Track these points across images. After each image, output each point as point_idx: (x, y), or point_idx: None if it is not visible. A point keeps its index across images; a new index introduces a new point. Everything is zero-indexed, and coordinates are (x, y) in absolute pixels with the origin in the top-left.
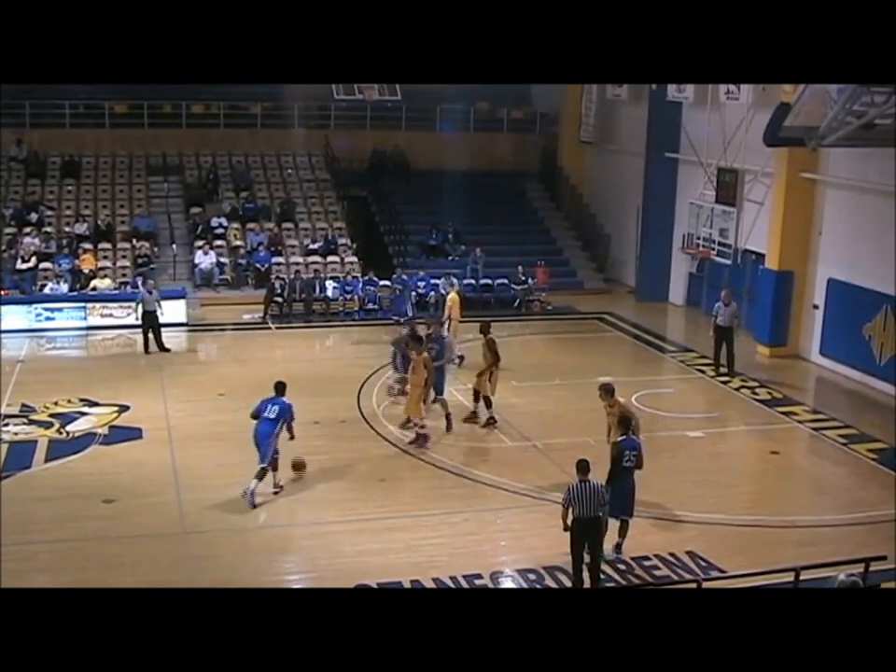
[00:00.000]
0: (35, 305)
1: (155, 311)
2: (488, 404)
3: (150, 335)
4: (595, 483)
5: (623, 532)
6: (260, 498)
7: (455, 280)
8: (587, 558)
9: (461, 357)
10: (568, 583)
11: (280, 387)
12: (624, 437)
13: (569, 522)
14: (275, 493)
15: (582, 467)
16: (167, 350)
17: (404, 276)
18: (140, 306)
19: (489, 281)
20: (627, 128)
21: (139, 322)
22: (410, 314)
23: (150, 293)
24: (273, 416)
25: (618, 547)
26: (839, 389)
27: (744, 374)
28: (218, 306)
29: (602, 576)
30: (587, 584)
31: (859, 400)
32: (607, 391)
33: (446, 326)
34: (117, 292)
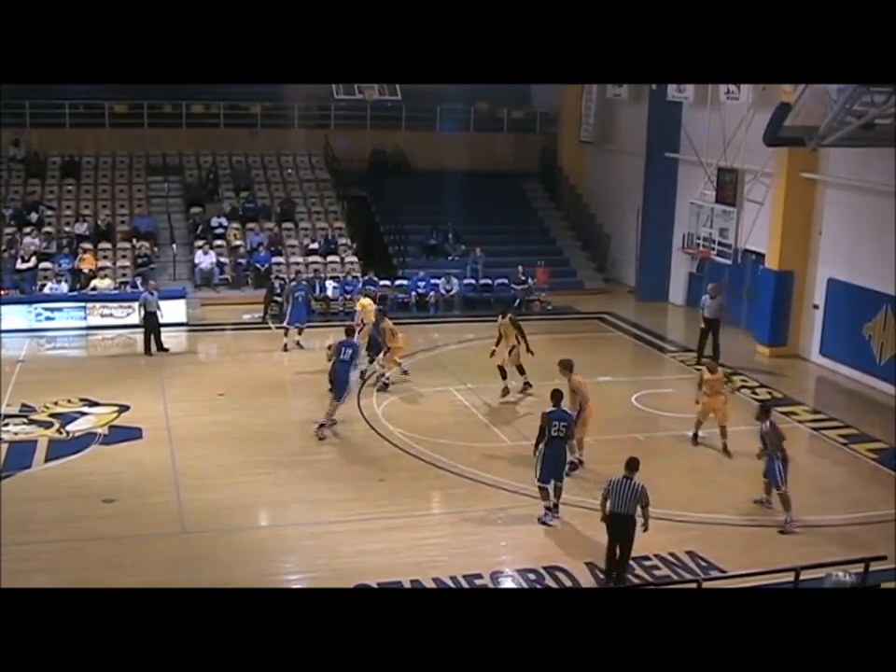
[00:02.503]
0: (34, 305)
1: (156, 312)
2: (521, 371)
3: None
4: (637, 483)
5: (558, 494)
6: (255, 483)
7: (455, 279)
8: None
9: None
10: (569, 583)
11: (350, 331)
12: (554, 409)
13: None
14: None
15: (631, 464)
16: (166, 350)
17: (304, 283)
18: (143, 308)
19: (489, 281)
20: (627, 128)
21: (142, 323)
22: (306, 319)
23: (152, 294)
24: (347, 358)
25: (555, 507)
26: (839, 389)
27: (744, 374)
28: (218, 306)
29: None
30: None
31: (859, 400)
32: (565, 367)
33: (357, 331)
34: (117, 292)
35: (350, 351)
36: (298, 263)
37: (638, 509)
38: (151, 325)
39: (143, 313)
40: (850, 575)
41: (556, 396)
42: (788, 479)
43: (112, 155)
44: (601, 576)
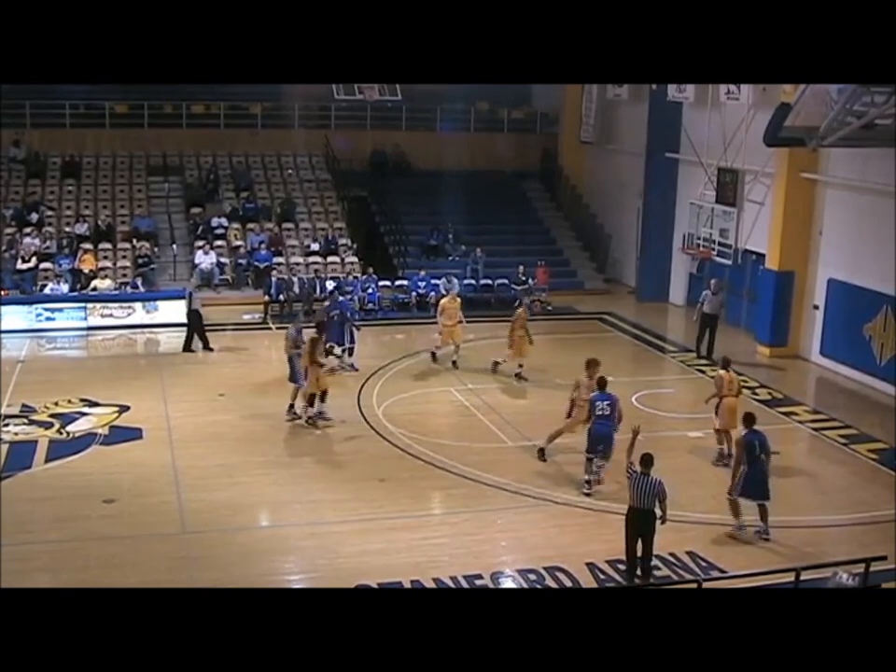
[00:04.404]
0: (35, 305)
1: (199, 310)
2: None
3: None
4: (655, 480)
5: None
6: (255, 483)
7: (455, 280)
8: (639, 551)
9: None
10: (569, 583)
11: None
12: (598, 392)
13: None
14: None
15: (646, 461)
16: (211, 349)
17: (342, 298)
18: (188, 303)
19: (489, 281)
20: (627, 128)
21: (186, 321)
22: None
23: (196, 291)
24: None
25: (589, 483)
26: (839, 389)
27: (744, 374)
28: (218, 306)
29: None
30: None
31: (859, 401)
32: (597, 364)
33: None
34: (117, 292)
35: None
36: (298, 263)
37: (657, 503)
38: (195, 323)
39: (188, 309)
40: (853, 578)
41: (601, 382)
42: (750, 491)
43: (112, 155)
44: (609, 575)
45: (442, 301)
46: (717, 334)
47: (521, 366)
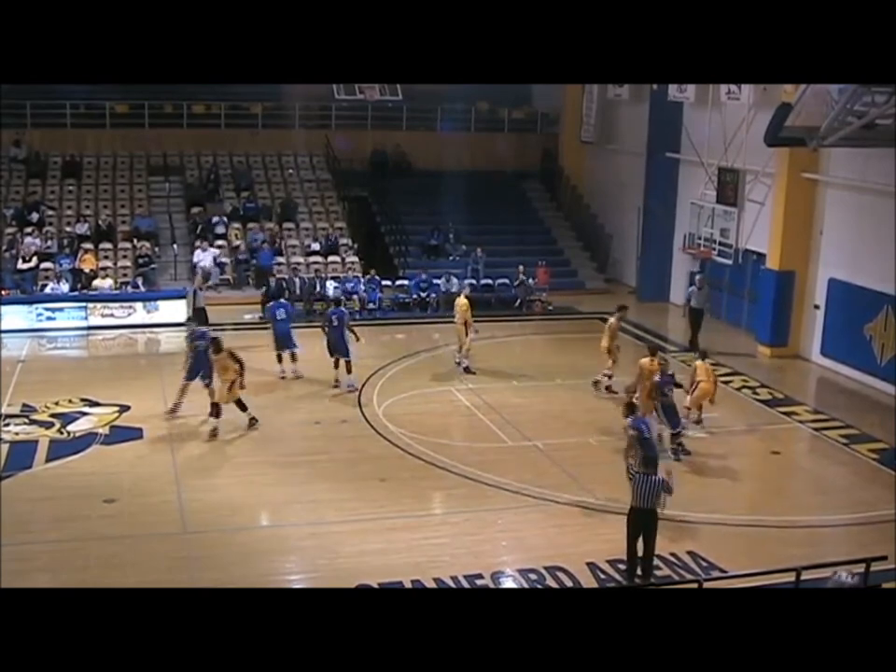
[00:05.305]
0: (35, 305)
1: (204, 308)
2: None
3: None
4: (658, 479)
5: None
6: (255, 483)
7: (455, 279)
8: (640, 551)
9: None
10: (569, 583)
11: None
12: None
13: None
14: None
15: (647, 461)
16: None
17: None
18: (195, 302)
19: (490, 281)
20: (628, 128)
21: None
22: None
23: (200, 290)
24: (283, 318)
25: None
26: (840, 389)
27: (745, 374)
28: (218, 306)
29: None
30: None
31: (860, 401)
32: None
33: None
34: (117, 292)
35: (283, 310)
36: (299, 263)
37: (659, 501)
38: (202, 321)
39: (192, 309)
40: (853, 578)
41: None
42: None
43: (113, 155)
44: (610, 575)
45: (463, 300)
46: (703, 328)
47: (610, 377)
